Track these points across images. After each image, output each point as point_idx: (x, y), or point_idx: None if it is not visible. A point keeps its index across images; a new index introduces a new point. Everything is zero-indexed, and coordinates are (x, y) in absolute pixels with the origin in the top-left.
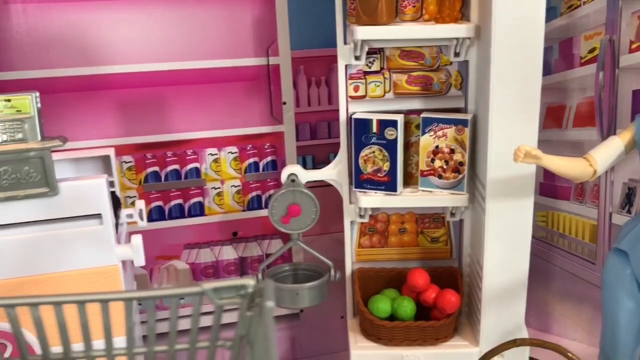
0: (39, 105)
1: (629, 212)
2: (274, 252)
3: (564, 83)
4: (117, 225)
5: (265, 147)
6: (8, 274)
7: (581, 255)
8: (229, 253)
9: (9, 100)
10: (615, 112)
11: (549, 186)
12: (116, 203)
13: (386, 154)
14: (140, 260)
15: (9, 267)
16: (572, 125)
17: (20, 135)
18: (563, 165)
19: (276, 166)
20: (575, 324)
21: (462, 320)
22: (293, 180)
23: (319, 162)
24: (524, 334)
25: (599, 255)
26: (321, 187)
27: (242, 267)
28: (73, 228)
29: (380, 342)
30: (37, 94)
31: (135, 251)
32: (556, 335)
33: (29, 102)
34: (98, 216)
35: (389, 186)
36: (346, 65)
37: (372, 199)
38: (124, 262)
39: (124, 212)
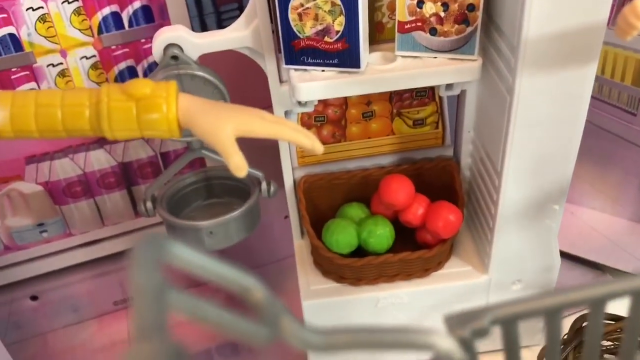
0: None
1: None
2: (173, 149)
3: None
4: None
5: None
6: None
7: (617, 104)
8: (101, 160)
9: None
10: None
11: None
12: None
13: (337, 0)
14: None
15: None
16: None
17: None
18: None
19: (152, 16)
20: (596, 190)
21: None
22: (175, 57)
23: (225, 3)
24: (556, 262)
25: None
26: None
27: (126, 177)
28: None
29: (346, 282)
30: None
31: None
32: (569, 203)
33: None
34: None
35: (346, 58)
36: None
37: (318, 86)
38: None
39: None
